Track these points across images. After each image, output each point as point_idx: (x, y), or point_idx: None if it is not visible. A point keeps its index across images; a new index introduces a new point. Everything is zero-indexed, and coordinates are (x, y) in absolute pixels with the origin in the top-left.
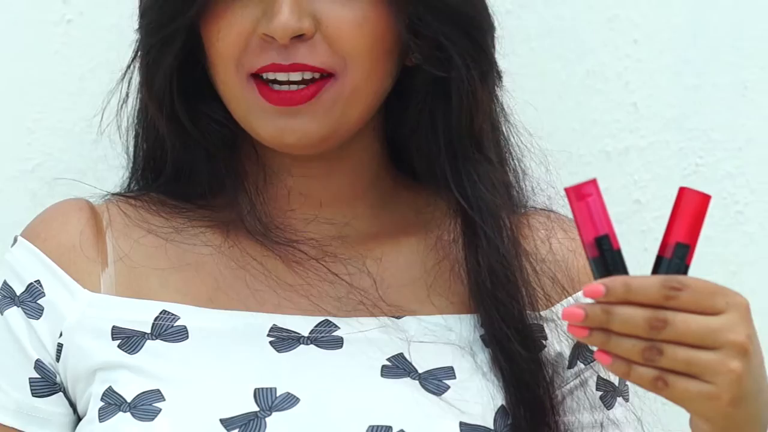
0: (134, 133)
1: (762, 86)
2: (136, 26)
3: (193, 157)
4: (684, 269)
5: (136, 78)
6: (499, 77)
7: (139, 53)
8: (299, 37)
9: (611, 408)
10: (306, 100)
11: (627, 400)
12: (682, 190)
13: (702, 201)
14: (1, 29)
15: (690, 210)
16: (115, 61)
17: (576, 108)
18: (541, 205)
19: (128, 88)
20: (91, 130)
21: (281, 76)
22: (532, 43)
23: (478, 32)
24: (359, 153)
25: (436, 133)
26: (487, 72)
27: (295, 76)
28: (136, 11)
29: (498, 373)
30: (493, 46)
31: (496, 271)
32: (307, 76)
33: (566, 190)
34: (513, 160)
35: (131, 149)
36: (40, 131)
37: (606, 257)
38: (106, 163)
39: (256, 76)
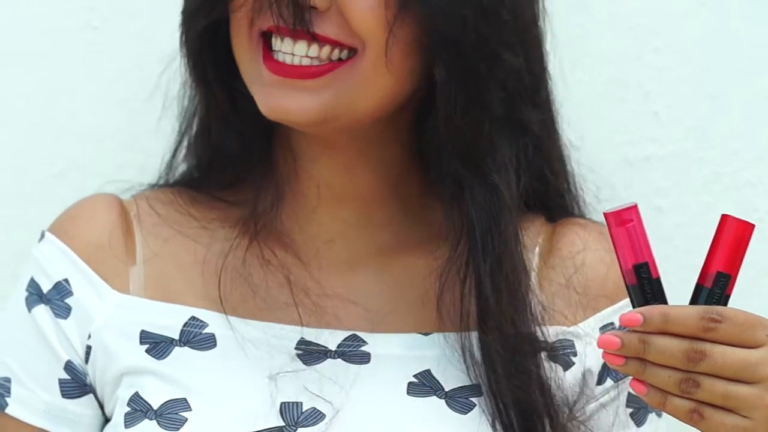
0: (180, 122)
1: None
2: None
3: (231, 142)
4: (724, 300)
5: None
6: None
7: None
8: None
9: (642, 425)
10: (314, 75)
11: (660, 416)
12: (724, 218)
13: (744, 229)
14: (29, 37)
15: (731, 238)
16: (141, 66)
17: (597, 116)
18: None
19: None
20: (116, 135)
21: (286, 46)
22: (554, 52)
23: (473, 53)
24: (380, 152)
25: (445, 142)
26: (478, 92)
27: (300, 49)
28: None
29: (511, 390)
30: (516, 62)
31: (499, 287)
32: (312, 53)
33: (605, 215)
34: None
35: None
36: (66, 137)
37: (644, 285)
38: (132, 169)
39: (265, 39)
